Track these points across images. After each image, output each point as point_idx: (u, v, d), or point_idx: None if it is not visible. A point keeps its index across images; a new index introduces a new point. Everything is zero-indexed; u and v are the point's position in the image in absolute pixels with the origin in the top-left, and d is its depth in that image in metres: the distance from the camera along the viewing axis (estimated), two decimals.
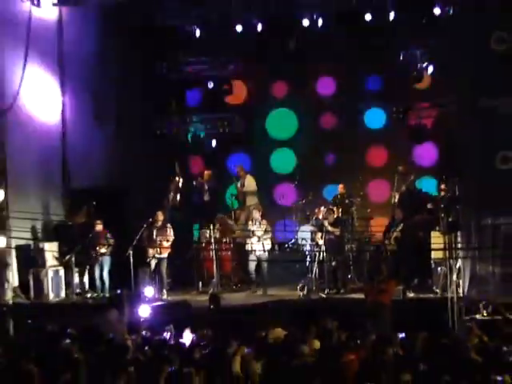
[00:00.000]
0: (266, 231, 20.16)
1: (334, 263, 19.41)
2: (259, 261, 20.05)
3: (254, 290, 20.02)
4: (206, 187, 22.52)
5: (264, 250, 20.06)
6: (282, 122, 24.73)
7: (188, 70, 24.41)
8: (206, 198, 22.53)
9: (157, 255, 20.17)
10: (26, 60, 20.34)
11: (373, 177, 23.19)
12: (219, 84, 24.19)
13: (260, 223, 20.25)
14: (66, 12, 22.30)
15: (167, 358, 12.88)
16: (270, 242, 20.23)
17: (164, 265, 20.20)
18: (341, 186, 21.00)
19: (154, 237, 20.13)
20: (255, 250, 20.06)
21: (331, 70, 23.94)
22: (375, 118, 23.75)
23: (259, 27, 21.94)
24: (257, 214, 20.45)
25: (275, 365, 12.29)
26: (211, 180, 22.82)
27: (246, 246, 20.38)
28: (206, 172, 23.04)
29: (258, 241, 19.99)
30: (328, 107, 24.07)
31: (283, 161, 24.59)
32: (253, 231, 20.25)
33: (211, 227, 20.76)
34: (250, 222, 20.51)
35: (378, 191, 22.87)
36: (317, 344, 13.43)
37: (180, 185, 22.35)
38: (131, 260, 19.23)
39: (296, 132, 24.65)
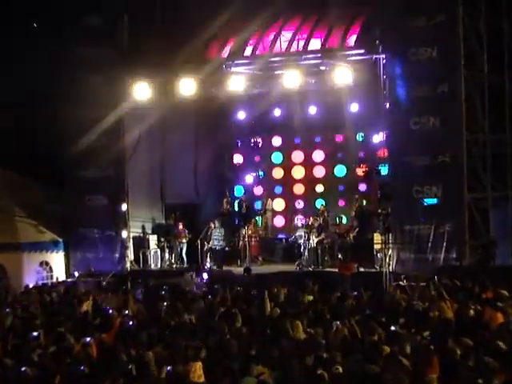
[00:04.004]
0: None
1: (319, 251, 18.34)
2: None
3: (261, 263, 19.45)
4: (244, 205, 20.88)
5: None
6: None
7: None
8: (243, 210, 20.76)
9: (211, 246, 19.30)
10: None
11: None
12: None
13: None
14: None
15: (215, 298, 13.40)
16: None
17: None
18: (322, 206, 19.90)
19: (209, 234, 19.29)
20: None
21: None
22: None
23: None
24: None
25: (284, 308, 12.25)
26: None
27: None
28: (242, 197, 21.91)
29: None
30: None
31: None
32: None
33: (246, 227, 19.70)
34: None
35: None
36: (309, 298, 13.44)
37: (225, 205, 20.93)
38: (198, 247, 19.04)
39: None
